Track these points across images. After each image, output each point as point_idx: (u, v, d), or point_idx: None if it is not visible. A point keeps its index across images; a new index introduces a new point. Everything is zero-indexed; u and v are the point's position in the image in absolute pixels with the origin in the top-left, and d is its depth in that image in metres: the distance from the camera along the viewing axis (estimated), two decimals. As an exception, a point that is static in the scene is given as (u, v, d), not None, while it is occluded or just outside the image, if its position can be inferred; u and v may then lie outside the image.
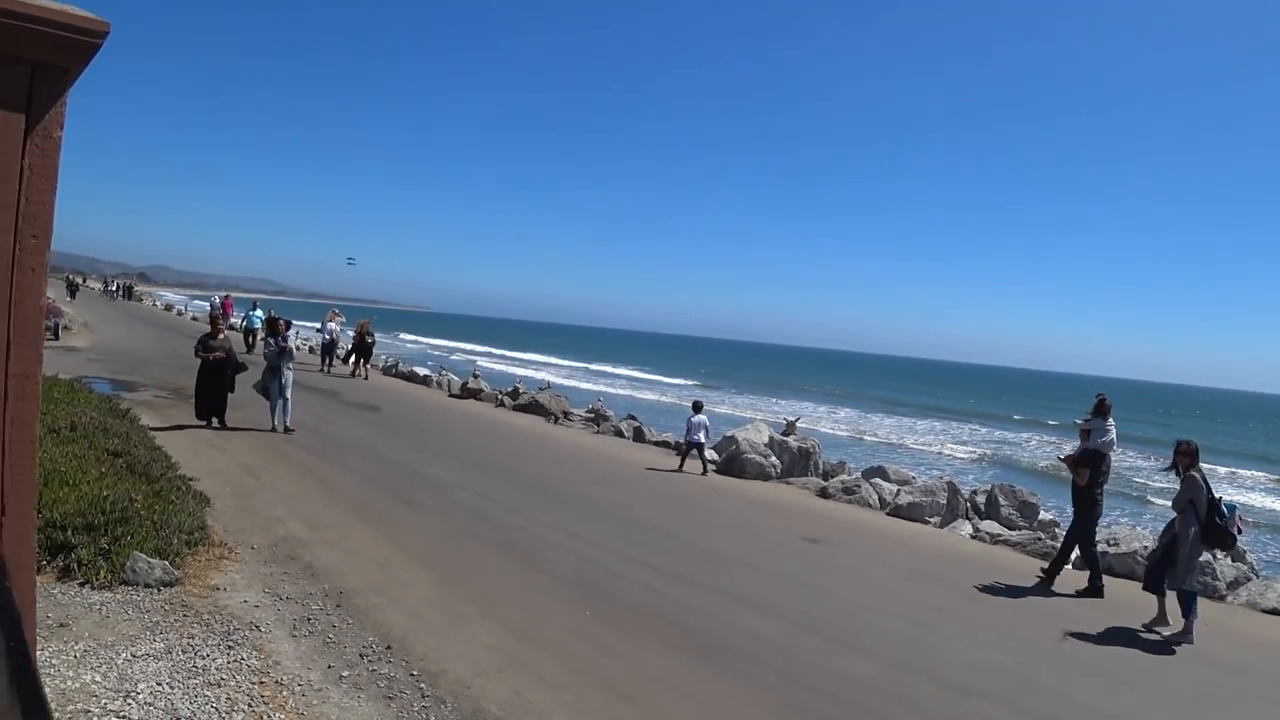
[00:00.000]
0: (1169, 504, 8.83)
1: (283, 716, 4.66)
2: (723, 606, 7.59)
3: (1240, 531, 8.23)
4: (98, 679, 4.69)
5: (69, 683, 4.58)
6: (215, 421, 13.74)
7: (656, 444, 18.90)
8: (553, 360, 75.28)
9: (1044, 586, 9.44)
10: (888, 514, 13.24)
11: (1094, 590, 9.24)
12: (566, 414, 22.01)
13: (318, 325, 30.68)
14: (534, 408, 22.01)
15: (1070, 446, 10.45)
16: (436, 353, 65.20)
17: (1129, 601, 8.82)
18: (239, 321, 34.54)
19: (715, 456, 16.41)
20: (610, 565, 8.57)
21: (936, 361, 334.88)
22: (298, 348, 14.41)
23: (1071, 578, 9.68)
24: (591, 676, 5.75)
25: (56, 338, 25.40)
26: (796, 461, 16.20)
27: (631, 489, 13.21)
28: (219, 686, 4.89)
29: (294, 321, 15.66)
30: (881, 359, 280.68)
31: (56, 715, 3.96)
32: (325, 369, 26.03)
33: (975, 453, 34.14)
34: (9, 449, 1.54)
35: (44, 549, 6.19)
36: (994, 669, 6.69)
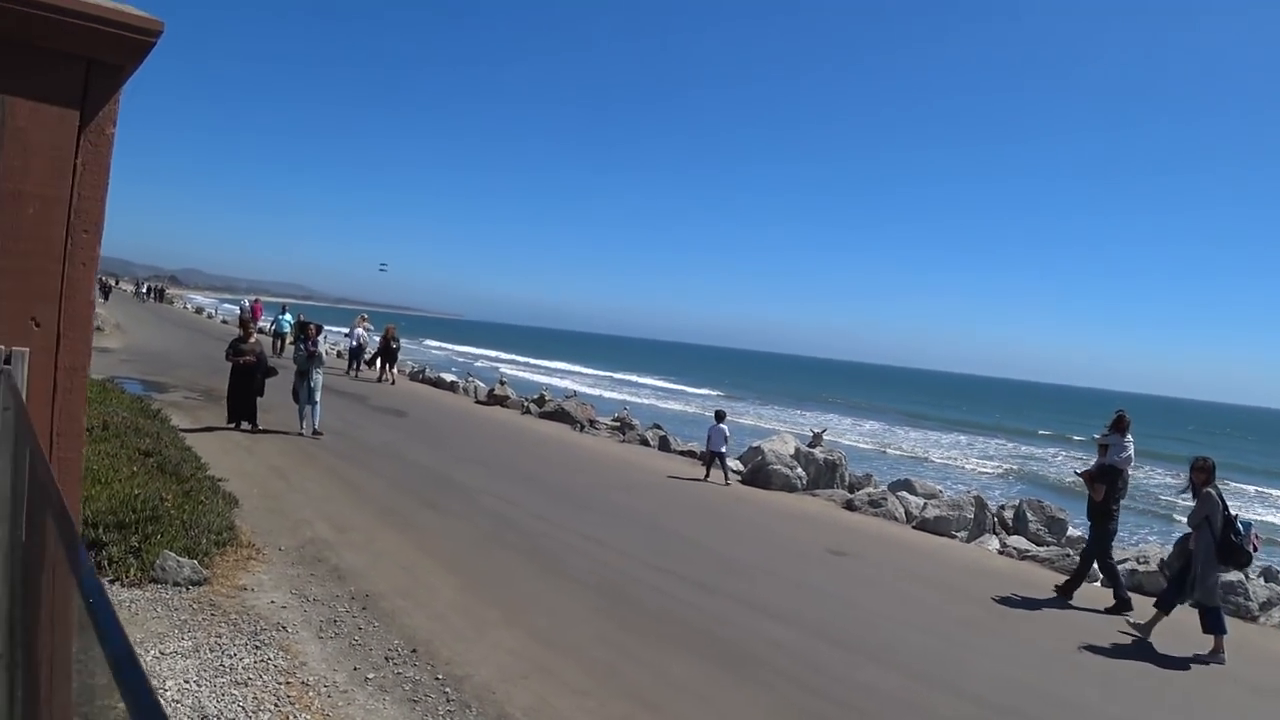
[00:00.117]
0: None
1: (308, 717, 4.68)
2: (746, 616, 7.54)
3: (1256, 549, 8.13)
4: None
5: (97, 679, 4.62)
6: (245, 424, 13.87)
7: (681, 453, 18.85)
8: (577, 369, 75.40)
9: (1061, 600, 9.36)
10: (914, 527, 13.12)
11: (1121, 604, 9.12)
12: (592, 422, 22.01)
13: (345, 330, 30.97)
14: (560, 415, 22.02)
15: (1093, 462, 10.37)
16: (461, 359, 65.48)
17: (1168, 619, 8.68)
18: (268, 325, 34.90)
19: (740, 467, 16.34)
20: (635, 573, 8.55)
21: (961, 375, 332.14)
22: (325, 353, 14.55)
23: (1098, 594, 9.55)
24: (616, 684, 5.73)
25: (90, 338, 25.71)
26: (822, 473, 16.10)
27: (656, 497, 13.18)
28: (246, 686, 4.92)
29: (324, 326, 15.78)
30: (906, 372, 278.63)
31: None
32: (352, 373, 26.24)
33: (1001, 468, 33.78)
34: (57, 441, 1.56)
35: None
36: (1019, 685, 6.60)
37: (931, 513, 13.11)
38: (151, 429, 10.17)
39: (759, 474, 15.52)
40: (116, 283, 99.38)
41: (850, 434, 40.29)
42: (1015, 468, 34.04)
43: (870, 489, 15.37)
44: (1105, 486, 9.41)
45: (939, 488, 16.62)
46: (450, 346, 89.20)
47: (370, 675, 5.37)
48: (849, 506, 14.13)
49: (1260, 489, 33.40)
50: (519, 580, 7.84)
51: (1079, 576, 9.58)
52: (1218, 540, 7.93)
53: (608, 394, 46.64)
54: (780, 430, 21.16)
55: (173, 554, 6.45)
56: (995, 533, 13.11)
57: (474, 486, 11.85)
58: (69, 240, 1.55)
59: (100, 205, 1.57)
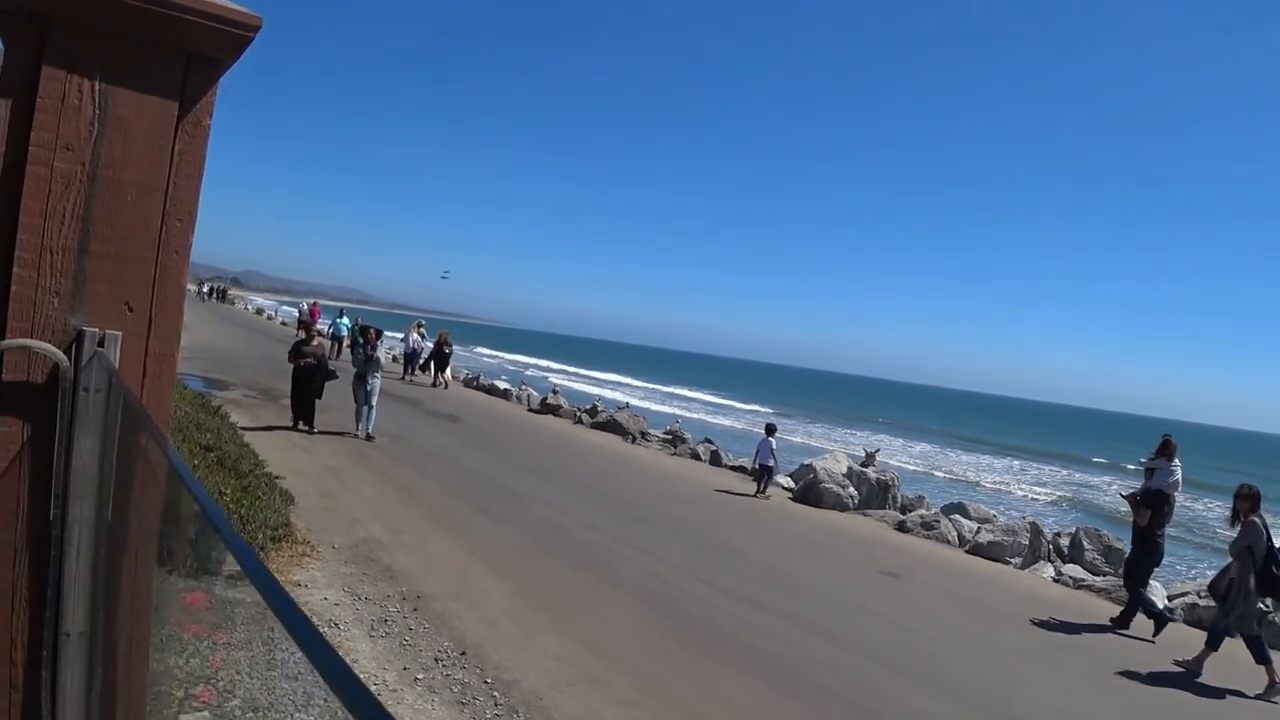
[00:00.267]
0: None
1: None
2: (796, 634, 7.45)
3: None
4: (180, 664, 4.83)
5: (154, 665, 4.71)
6: (303, 424, 14.11)
7: (733, 468, 18.75)
8: (627, 380, 75.44)
9: (1116, 631, 9.16)
10: (967, 551, 12.85)
11: (1158, 621, 8.97)
12: (644, 434, 22.02)
13: (401, 335, 31.46)
14: (612, 426, 22.05)
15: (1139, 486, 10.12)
16: (512, 367, 66.00)
17: (1218, 654, 8.39)
18: (325, 328, 35.57)
19: (791, 484, 16.19)
20: (684, 585, 8.50)
21: (1014, 399, 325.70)
22: (383, 357, 14.86)
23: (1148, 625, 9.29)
24: (663, 696, 5.69)
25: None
26: (874, 493, 15.87)
27: (708, 511, 13.11)
28: (295, 680, 4.98)
29: (382, 331, 16.04)
30: (958, 394, 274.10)
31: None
32: (408, 378, 26.62)
33: (1054, 494, 32.92)
34: (145, 424, 1.60)
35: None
36: (1074, 716, 6.41)
37: (985, 537, 12.84)
38: (212, 424, 10.40)
39: (810, 491, 15.36)
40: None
41: (900, 455, 39.66)
42: (1069, 495, 33.17)
43: (923, 510, 15.12)
44: (1150, 511, 9.19)
45: (993, 512, 16.28)
46: (502, 354, 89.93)
47: (420, 675, 5.40)
48: (900, 528, 13.90)
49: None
50: (569, 588, 7.84)
51: (1133, 606, 9.34)
52: (1258, 570, 7.76)
53: (656, 406, 46.59)
54: (830, 449, 20.93)
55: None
56: (1050, 560, 12.77)
57: (526, 493, 11.90)
58: (164, 228, 1.59)
59: (195, 195, 1.61)
